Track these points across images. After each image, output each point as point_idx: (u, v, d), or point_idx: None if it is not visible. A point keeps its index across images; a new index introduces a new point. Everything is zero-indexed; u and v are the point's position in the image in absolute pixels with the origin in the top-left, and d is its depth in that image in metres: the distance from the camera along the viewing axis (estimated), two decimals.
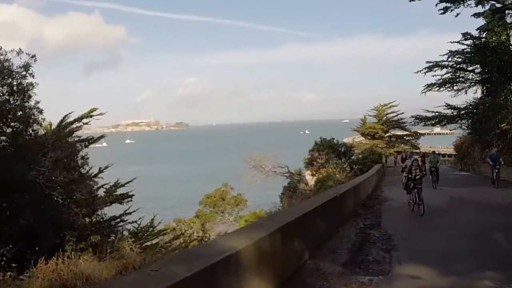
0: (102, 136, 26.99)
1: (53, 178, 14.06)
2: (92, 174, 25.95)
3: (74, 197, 16.56)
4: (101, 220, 19.72)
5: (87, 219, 16.78)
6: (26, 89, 15.19)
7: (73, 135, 24.86)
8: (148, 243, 28.39)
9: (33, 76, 15.72)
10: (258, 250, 7.17)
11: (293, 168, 51.78)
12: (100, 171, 26.66)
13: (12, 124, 15.08)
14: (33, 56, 15.72)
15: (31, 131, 15.54)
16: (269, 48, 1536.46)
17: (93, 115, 24.61)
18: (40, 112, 15.96)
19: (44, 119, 16.32)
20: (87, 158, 22.86)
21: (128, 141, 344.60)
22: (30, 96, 15.53)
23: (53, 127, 23.51)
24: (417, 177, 18.87)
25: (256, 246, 7.08)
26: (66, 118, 24.36)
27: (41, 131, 16.67)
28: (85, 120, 24.34)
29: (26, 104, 15.26)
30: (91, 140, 24.89)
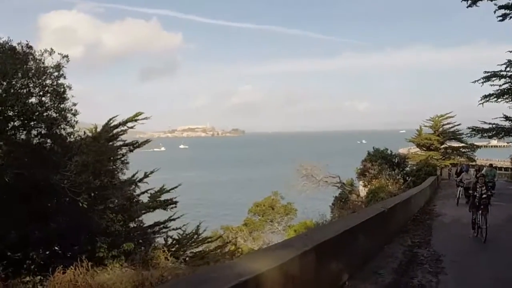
0: (147, 141, 26.92)
1: (79, 182, 13.67)
2: (137, 179, 25.93)
3: (109, 203, 16.22)
4: (140, 226, 19.28)
5: (121, 226, 16.26)
6: (59, 90, 14.94)
7: (118, 138, 24.87)
8: (193, 251, 28.27)
9: (64, 77, 15.48)
10: (285, 273, 6.45)
11: (346, 178, 50.94)
12: (146, 175, 26.51)
13: (38, 125, 14.82)
14: (66, 56, 15.45)
15: (58, 133, 15.22)
16: (323, 56, 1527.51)
17: (138, 119, 24.47)
18: (74, 114, 15.69)
19: (77, 121, 15.98)
20: (127, 163, 22.68)
21: (182, 146, 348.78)
22: (64, 98, 15.28)
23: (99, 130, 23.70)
24: (483, 196, 16.29)
25: (282, 269, 6.34)
26: (111, 121, 24.30)
27: (75, 134, 16.29)
28: (129, 124, 24.22)
29: (61, 105, 15.01)
30: (135, 145, 24.74)
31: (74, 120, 15.70)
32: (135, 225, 18.87)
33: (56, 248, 16.65)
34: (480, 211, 16.02)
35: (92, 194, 15.20)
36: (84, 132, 18.42)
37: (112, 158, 17.35)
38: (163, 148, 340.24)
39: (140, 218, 24.49)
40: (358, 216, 12.94)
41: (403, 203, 18.50)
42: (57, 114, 15.28)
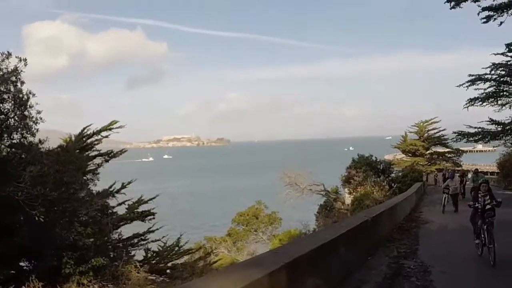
0: (122, 150, 25.85)
1: (34, 195, 12.62)
2: (114, 190, 24.95)
3: (77, 215, 15.15)
4: (114, 239, 18.12)
5: (92, 239, 15.11)
6: (20, 96, 13.94)
7: (93, 148, 23.91)
8: (174, 263, 27.30)
9: (22, 83, 14.47)
10: None
11: (331, 186, 50.17)
12: (123, 186, 25.56)
13: None
14: (24, 59, 14.42)
15: (11, 142, 14.20)
16: (309, 63, 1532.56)
17: (112, 128, 23.55)
18: (35, 122, 14.69)
19: (38, 130, 14.99)
20: (97, 173, 21.76)
21: (166, 156, 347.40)
22: (26, 105, 14.27)
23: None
24: (487, 208, 13.13)
25: None
26: (85, 130, 23.34)
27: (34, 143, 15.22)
28: (105, 133, 23.31)
29: (24, 113, 14.00)
30: (110, 154, 23.85)
31: (35, 128, 14.71)
32: (106, 239, 17.66)
33: (23, 264, 15.64)
34: (485, 226, 12.96)
35: (56, 208, 14.12)
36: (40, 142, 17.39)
37: (82, 168, 16.26)
38: (151, 159, 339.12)
39: (117, 230, 23.55)
40: (339, 226, 12.03)
41: (388, 211, 17.63)
42: (18, 122, 14.29)
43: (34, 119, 14.68)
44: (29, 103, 14.57)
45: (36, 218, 12.45)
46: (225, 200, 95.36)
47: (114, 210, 24.22)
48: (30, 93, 14.55)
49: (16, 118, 14.49)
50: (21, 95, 14.23)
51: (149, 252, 25.31)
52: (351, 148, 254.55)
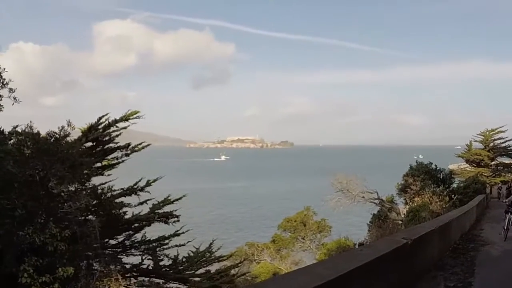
0: (143, 144, 23.17)
1: None
2: (138, 188, 22.61)
3: (57, 214, 12.63)
4: (98, 245, 15.36)
5: (67, 244, 12.44)
6: None
7: (114, 140, 21.63)
8: (202, 271, 24.96)
9: None
10: None
11: (389, 194, 46.71)
12: (148, 184, 23.22)
13: None
14: None
15: None
16: (375, 69, 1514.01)
17: (129, 119, 21.05)
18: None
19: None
20: (91, 167, 19.48)
21: (223, 157, 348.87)
22: None
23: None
24: None
25: None
26: (103, 121, 20.99)
27: None
28: (121, 124, 20.85)
29: None
30: (129, 148, 21.48)
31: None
32: (93, 243, 14.83)
33: None
34: None
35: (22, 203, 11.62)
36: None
37: (69, 161, 13.76)
38: (223, 158, 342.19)
39: (129, 232, 21.27)
40: (359, 253, 8.85)
41: (439, 230, 14.15)
42: None
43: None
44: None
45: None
46: (278, 203, 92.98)
47: (136, 210, 22.01)
48: None
49: None
50: None
51: (168, 258, 22.84)
52: (420, 156, 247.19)
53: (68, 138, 16.49)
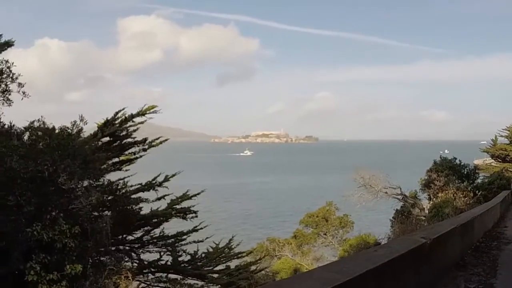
0: (161, 139, 22.91)
1: None
2: (157, 183, 22.44)
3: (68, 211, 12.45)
4: (110, 242, 15.12)
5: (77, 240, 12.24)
6: None
7: (132, 135, 21.49)
8: (223, 267, 24.79)
9: None
10: None
11: (412, 190, 46.01)
12: (166, 179, 23.01)
13: None
14: None
15: None
16: (400, 64, 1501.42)
17: (146, 113, 20.84)
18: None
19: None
20: (132, 163, 19.52)
21: (247, 152, 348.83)
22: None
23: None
24: None
25: None
26: (120, 116, 20.80)
27: None
28: (138, 119, 20.65)
29: None
30: (146, 143, 21.37)
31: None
32: (104, 240, 14.58)
33: None
34: None
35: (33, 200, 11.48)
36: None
37: (81, 156, 13.56)
38: (248, 153, 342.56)
39: (147, 228, 21.17)
40: (373, 253, 8.38)
41: (460, 228, 13.57)
42: None
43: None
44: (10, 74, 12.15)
45: None
46: (303, 198, 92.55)
47: (155, 206, 21.92)
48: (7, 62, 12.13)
49: None
50: None
51: (186, 253, 22.74)
52: (446, 151, 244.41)
53: (84, 133, 16.46)
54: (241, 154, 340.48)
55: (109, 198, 17.24)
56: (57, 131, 14.07)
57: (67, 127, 14.32)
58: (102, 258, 14.79)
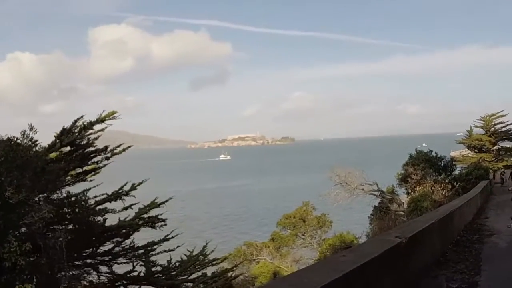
0: (121, 146, 21.89)
1: None
2: (123, 192, 21.45)
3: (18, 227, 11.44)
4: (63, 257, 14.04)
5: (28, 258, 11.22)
6: None
7: (91, 144, 20.46)
8: (198, 275, 23.86)
9: None
10: None
11: (389, 185, 45.69)
12: (133, 188, 22.00)
13: None
14: None
15: None
16: (373, 60, 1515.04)
17: (105, 120, 19.83)
18: None
19: None
20: (96, 173, 18.49)
21: (222, 156, 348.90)
22: None
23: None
24: None
25: None
26: (79, 124, 19.78)
27: None
28: (98, 127, 19.65)
29: None
30: (107, 151, 20.31)
31: None
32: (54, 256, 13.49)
33: None
34: None
35: None
36: None
37: (31, 167, 12.56)
38: (228, 157, 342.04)
39: (116, 239, 20.12)
40: (341, 260, 7.47)
41: (438, 223, 12.77)
42: None
43: None
44: None
45: None
46: (277, 200, 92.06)
47: (122, 215, 20.87)
48: None
49: None
50: None
51: (157, 264, 21.71)
52: (424, 144, 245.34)
53: (41, 144, 15.44)
54: (219, 158, 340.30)
55: (69, 210, 16.26)
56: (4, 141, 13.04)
57: (17, 138, 13.31)
58: (57, 275, 13.77)
